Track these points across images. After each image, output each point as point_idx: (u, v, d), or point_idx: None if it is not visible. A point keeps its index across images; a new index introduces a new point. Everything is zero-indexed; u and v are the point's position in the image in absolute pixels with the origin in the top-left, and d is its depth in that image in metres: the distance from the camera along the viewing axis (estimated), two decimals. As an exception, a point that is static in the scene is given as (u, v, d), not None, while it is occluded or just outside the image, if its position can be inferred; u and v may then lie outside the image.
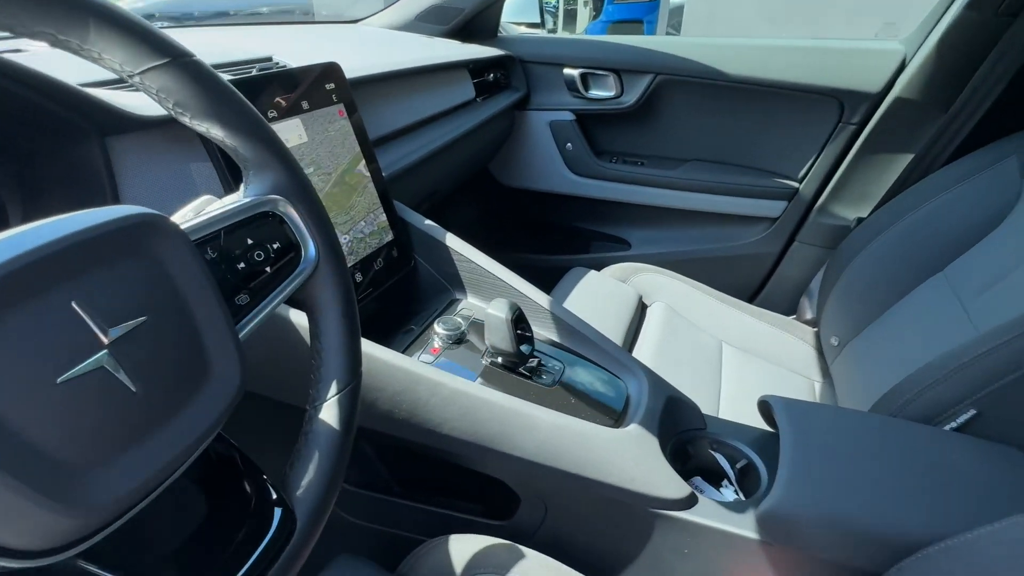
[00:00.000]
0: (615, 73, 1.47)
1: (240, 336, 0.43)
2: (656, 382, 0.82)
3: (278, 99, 0.75)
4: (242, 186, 0.48)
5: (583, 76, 1.49)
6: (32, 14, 0.34)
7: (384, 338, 0.86)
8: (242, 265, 0.45)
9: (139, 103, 0.62)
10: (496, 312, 0.76)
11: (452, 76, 1.26)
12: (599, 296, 1.30)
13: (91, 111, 0.57)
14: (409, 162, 1.02)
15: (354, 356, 0.51)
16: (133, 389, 0.33)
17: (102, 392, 0.32)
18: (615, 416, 0.77)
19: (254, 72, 0.81)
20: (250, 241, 0.45)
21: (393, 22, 1.45)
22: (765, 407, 0.80)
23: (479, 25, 1.47)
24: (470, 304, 0.93)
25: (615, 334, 1.20)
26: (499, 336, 0.76)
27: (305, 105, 0.79)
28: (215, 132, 0.43)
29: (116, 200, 0.62)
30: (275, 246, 0.47)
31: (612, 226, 1.65)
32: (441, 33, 1.43)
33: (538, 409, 0.71)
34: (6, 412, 0.28)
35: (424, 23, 1.43)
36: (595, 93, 1.50)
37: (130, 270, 0.35)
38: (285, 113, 0.76)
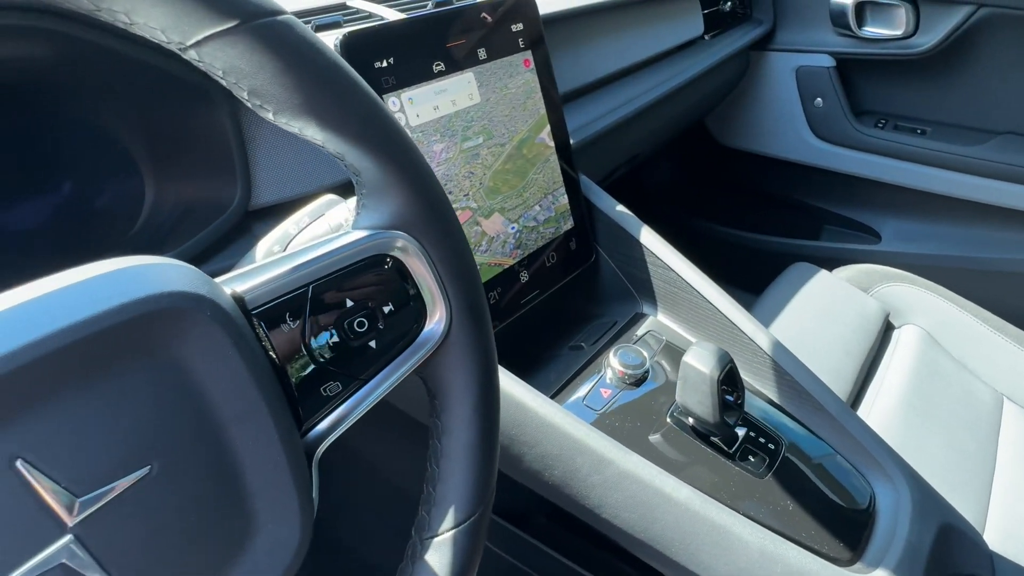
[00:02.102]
0: (910, 2, 1.05)
1: (319, 450, 0.29)
2: (925, 497, 0.56)
3: (450, 45, 0.58)
4: (352, 206, 0.32)
5: (859, 6, 1.10)
6: None
7: (545, 351, 0.70)
8: (335, 339, 0.29)
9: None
10: (698, 365, 0.54)
11: (675, 5, 0.98)
12: (828, 307, 0.99)
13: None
14: (607, 124, 0.80)
15: (488, 474, 0.34)
16: None
17: None
18: (853, 545, 0.53)
19: (429, 6, 0.64)
20: (350, 302, 0.30)
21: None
22: None
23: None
24: (660, 325, 0.71)
25: (845, 364, 0.91)
26: (697, 398, 0.55)
27: (482, 54, 0.61)
28: (312, 134, 0.28)
29: (246, 171, 0.51)
30: (387, 309, 0.31)
31: (858, 209, 1.27)
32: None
33: (740, 522, 0.50)
34: None
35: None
36: (872, 31, 1.11)
37: (133, 391, 0.21)
38: (456, 65, 0.58)
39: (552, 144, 0.69)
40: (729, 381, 0.55)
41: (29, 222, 0.49)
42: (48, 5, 0.37)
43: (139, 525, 0.22)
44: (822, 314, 0.97)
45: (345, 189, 0.58)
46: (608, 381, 0.63)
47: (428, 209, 0.31)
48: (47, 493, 0.20)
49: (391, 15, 0.61)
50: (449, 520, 0.33)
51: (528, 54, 0.65)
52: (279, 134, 0.53)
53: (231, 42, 0.24)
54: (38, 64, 0.41)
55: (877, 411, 0.85)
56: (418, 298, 0.32)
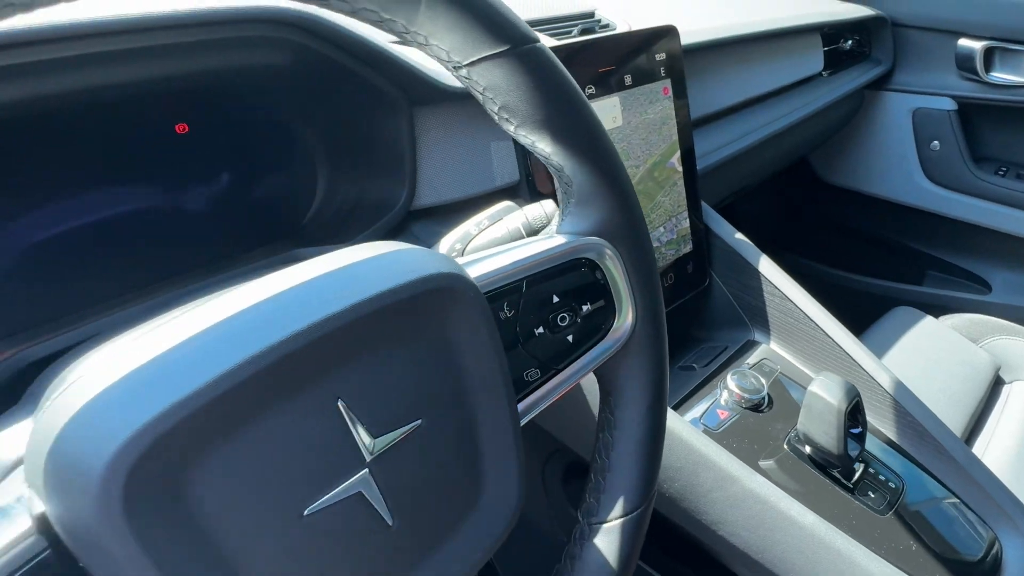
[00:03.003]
0: (1046, 50, 1.03)
1: (520, 424, 0.32)
2: (1056, 555, 0.54)
3: (601, 70, 0.61)
4: (555, 216, 0.35)
5: (988, 51, 1.07)
6: None
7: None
8: (541, 330, 0.33)
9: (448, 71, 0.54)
10: (825, 396, 0.55)
11: (799, 41, 0.99)
12: (934, 355, 0.96)
13: (405, 80, 0.50)
14: (729, 153, 0.82)
15: (655, 472, 0.37)
16: (390, 523, 0.24)
17: (351, 528, 0.23)
18: (980, 593, 0.52)
19: (575, 33, 0.68)
20: (556, 299, 0.33)
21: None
22: None
23: (843, -28, 1.14)
24: (773, 354, 0.72)
25: (951, 414, 0.88)
26: (822, 428, 0.55)
27: (628, 80, 0.64)
28: (542, 147, 0.31)
29: (413, 173, 0.56)
30: (585, 308, 0.34)
31: (967, 257, 1.23)
32: (790, -18, 1.14)
33: (866, 555, 0.50)
34: (238, 559, 0.20)
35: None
36: (1000, 76, 1.08)
37: (414, 354, 0.25)
38: (605, 90, 0.62)
39: (680, 169, 0.71)
40: (854, 415, 0.56)
41: (204, 205, 0.55)
42: (301, 21, 0.42)
43: (410, 469, 0.25)
44: (928, 361, 0.95)
45: (498, 196, 0.62)
46: (724, 403, 0.64)
47: (629, 221, 0.34)
48: (357, 430, 0.23)
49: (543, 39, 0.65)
50: (618, 509, 0.36)
51: (668, 82, 0.68)
52: (441, 144, 0.57)
53: (499, 64, 0.28)
54: (271, 71, 0.47)
55: (988, 464, 0.82)
56: (610, 299, 0.35)
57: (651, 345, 0.36)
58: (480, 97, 0.30)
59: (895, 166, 1.19)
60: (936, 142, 1.15)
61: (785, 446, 0.60)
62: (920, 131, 1.16)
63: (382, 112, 0.53)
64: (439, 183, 0.57)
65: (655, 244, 0.69)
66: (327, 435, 0.23)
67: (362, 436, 0.23)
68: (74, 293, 0.44)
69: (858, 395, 0.56)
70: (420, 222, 0.58)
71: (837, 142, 1.24)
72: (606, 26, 0.73)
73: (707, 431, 0.59)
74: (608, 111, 0.62)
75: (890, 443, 0.63)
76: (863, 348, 0.66)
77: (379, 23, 0.26)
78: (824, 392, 0.55)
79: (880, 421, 0.64)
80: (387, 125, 0.54)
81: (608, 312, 0.35)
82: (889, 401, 0.64)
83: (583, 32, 0.68)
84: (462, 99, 0.55)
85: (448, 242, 0.44)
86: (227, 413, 0.20)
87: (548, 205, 0.45)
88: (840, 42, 1.09)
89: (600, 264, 0.34)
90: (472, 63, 0.28)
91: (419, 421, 0.25)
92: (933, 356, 0.96)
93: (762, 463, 0.59)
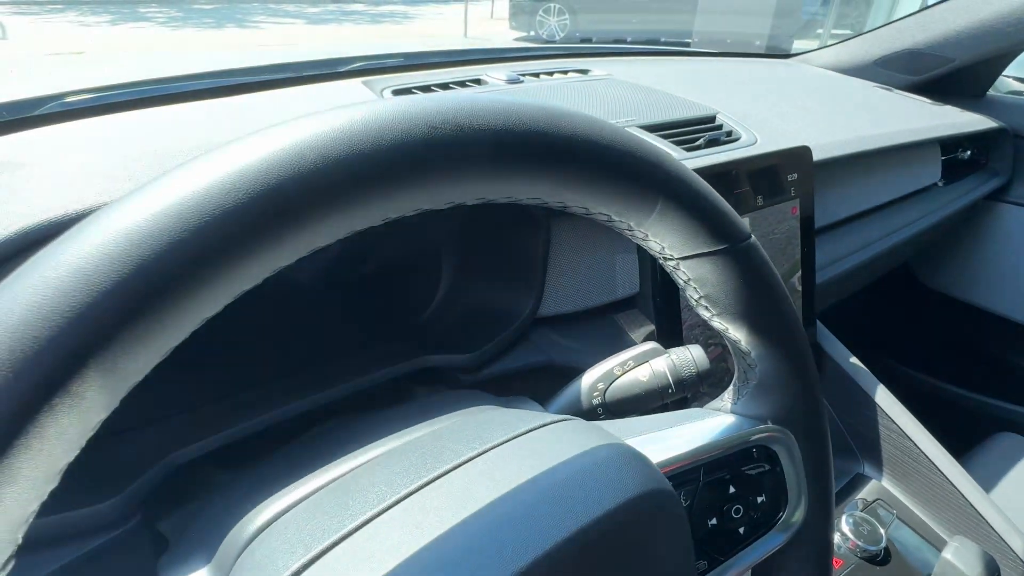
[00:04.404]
0: None
1: None
2: None
3: (737, 192, 0.60)
4: (729, 391, 0.34)
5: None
6: (596, 198, 0.24)
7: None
8: (714, 521, 0.31)
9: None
10: (962, 567, 0.51)
11: (919, 152, 0.96)
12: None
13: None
14: (844, 268, 0.79)
15: None
16: None
17: None
18: None
19: (702, 142, 0.68)
20: (732, 489, 0.31)
21: (842, 62, 1.19)
22: None
23: (963, 80, 1.11)
24: (887, 494, 0.67)
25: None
26: (957, 604, 0.51)
27: (760, 200, 0.63)
28: (735, 334, 0.30)
29: (542, 285, 0.55)
30: (760, 499, 0.32)
31: (1081, 384, 1.14)
32: (907, 85, 1.12)
33: None
34: None
35: (885, 70, 1.14)
36: None
37: (621, 560, 0.24)
38: (739, 210, 0.60)
39: (800, 289, 0.69)
40: (993, 590, 0.51)
41: (322, 281, 0.56)
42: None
43: None
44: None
45: (617, 306, 0.61)
46: (836, 548, 0.60)
47: (811, 411, 0.33)
48: None
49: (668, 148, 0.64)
50: None
51: (796, 202, 0.66)
52: (570, 256, 0.57)
53: (713, 260, 0.28)
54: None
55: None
56: (784, 491, 0.33)
57: (820, 540, 0.34)
58: (681, 284, 0.29)
59: (1008, 280, 1.12)
60: (1055, 261, 1.09)
61: (907, 610, 0.55)
62: (1038, 247, 1.10)
63: (525, 226, 0.53)
64: (564, 293, 0.57)
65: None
66: None
67: None
68: (209, 389, 0.45)
69: (998, 572, 0.51)
70: (540, 331, 0.57)
71: (944, 248, 1.19)
72: (730, 134, 0.72)
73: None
74: (738, 231, 0.61)
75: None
76: (994, 506, 0.61)
77: (608, 223, 0.26)
78: (962, 563, 0.51)
79: (1010, 589, 0.59)
80: (524, 236, 0.54)
81: (781, 503, 0.33)
82: (1021, 570, 0.58)
83: (710, 143, 0.67)
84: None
85: (590, 379, 0.43)
86: None
87: (695, 350, 0.43)
88: (958, 152, 1.05)
89: (778, 453, 0.32)
90: (685, 257, 0.28)
91: None
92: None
93: (875, 621, 0.54)
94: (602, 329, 0.59)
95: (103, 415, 0.15)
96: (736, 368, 0.33)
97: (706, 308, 0.30)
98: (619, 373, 0.43)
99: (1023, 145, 1.10)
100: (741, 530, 0.32)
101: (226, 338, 0.44)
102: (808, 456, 0.33)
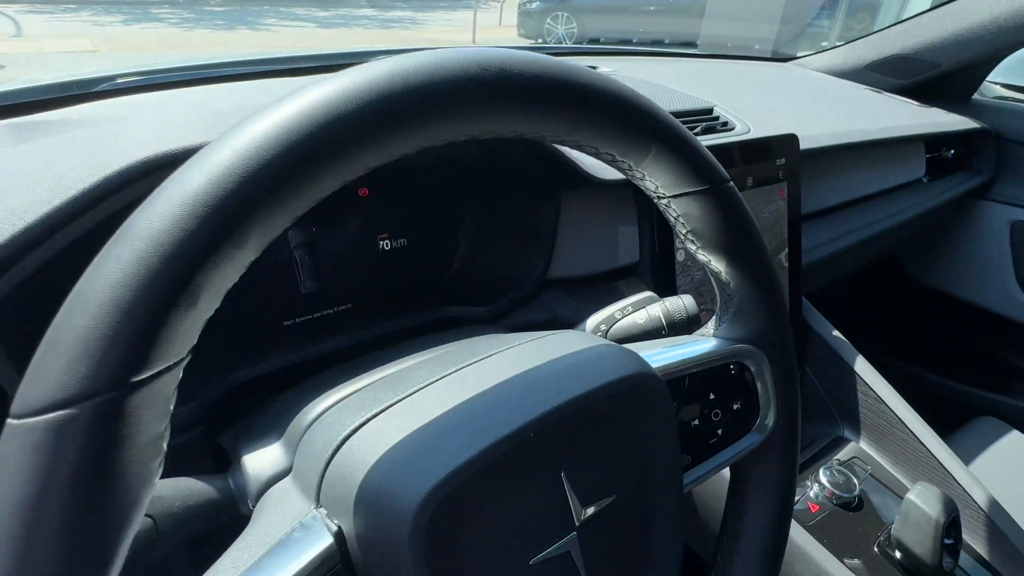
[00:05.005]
0: None
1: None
2: None
3: (728, 172, 0.67)
4: (712, 320, 0.40)
5: (1096, 173, 1.08)
6: (605, 138, 0.30)
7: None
8: (696, 422, 0.37)
9: (597, 164, 0.60)
10: (924, 507, 0.57)
11: (904, 148, 1.03)
12: (1018, 470, 0.94)
13: (564, 172, 0.56)
14: (832, 251, 0.85)
15: (779, 554, 0.40)
16: None
17: None
18: None
19: (699, 130, 0.74)
20: (712, 396, 0.37)
21: (835, 66, 1.26)
22: None
23: (950, 84, 1.17)
24: (864, 454, 0.73)
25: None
26: (917, 538, 0.57)
27: (750, 181, 0.69)
28: (716, 265, 0.36)
29: (551, 249, 0.61)
30: (735, 406, 0.38)
31: (1059, 374, 1.20)
32: (897, 88, 1.18)
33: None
34: None
35: (876, 74, 1.20)
36: (1107, 200, 1.08)
37: (614, 438, 0.30)
38: (728, 189, 0.67)
39: (787, 265, 0.75)
40: (950, 530, 0.57)
41: (352, 253, 0.62)
42: None
43: (602, 537, 0.30)
44: (1012, 473, 0.93)
45: (619, 273, 0.67)
46: (814, 496, 0.66)
47: (780, 333, 0.39)
48: (573, 500, 0.28)
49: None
50: None
51: (784, 185, 0.73)
52: (578, 224, 0.63)
53: (697, 198, 0.34)
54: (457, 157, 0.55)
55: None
56: (756, 400, 0.39)
57: (788, 443, 0.40)
58: (672, 220, 0.36)
59: (989, 274, 1.19)
60: (1034, 256, 1.15)
61: (875, 549, 0.61)
62: (1018, 243, 1.16)
63: (536, 196, 0.60)
64: (571, 259, 0.63)
65: (756, 333, 0.73)
66: (553, 501, 0.28)
67: (576, 505, 0.28)
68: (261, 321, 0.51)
69: (957, 511, 0.57)
70: (549, 292, 0.64)
71: (929, 242, 1.26)
72: (725, 124, 0.78)
73: (799, 522, 0.61)
74: (729, 208, 0.67)
75: (982, 561, 0.63)
76: (959, 462, 0.67)
77: (612, 162, 0.32)
78: (923, 503, 0.57)
79: (973, 538, 0.65)
80: (537, 207, 0.60)
81: (753, 411, 0.39)
82: (983, 519, 0.64)
83: (706, 131, 0.74)
84: (604, 188, 0.61)
85: (594, 321, 0.50)
86: (495, 471, 0.25)
87: (687, 299, 0.50)
88: (942, 150, 1.11)
89: (751, 368, 0.39)
90: (676, 196, 0.34)
91: (612, 497, 0.30)
92: (1017, 469, 0.94)
93: (847, 561, 0.60)
94: (605, 292, 0.66)
95: (246, 265, 0.21)
96: (718, 298, 0.39)
97: (692, 241, 0.36)
98: (619, 317, 0.49)
99: (1005, 146, 1.17)
100: (720, 431, 0.38)
101: (287, 283, 0.51)
102: (778, 373, 0.39)
